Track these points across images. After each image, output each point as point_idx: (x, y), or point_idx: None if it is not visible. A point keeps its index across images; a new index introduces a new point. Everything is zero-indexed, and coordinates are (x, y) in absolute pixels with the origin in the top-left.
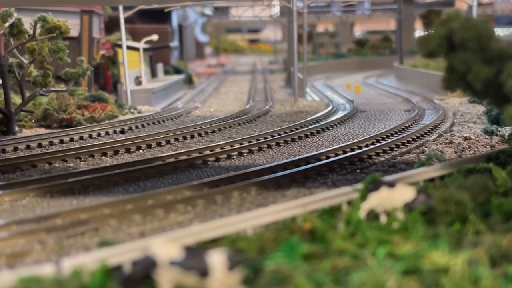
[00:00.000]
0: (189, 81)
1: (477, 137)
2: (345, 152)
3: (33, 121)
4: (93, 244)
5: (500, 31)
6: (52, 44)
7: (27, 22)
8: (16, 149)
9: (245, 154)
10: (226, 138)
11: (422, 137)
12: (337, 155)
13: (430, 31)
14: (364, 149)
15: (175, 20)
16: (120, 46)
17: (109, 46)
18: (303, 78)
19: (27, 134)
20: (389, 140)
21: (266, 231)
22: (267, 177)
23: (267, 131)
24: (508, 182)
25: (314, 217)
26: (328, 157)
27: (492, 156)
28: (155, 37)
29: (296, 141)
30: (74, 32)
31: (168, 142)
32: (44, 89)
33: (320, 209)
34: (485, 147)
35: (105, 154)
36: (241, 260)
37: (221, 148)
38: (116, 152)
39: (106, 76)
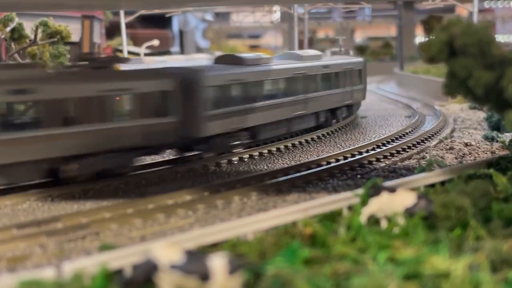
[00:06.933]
0: None
1: (478, 143)
2: (345, 158)
3: None
4: (93, 248)
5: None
6: (53, 49)
7: (28, 26)
8: None
9: (246, 160)
10: None
11: (422, 143)
12: (337, 160)
13: (431, 37)
14: (365, 154)
15: (176, 26)
16: (121, 51)
17: (110, 51)
18: None
19: None
20: (390, 146)
21: (267, 235)
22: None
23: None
24: (508, 187)
25: (315, 222)
26: (329, 163)
27: (492, 162)
28: (156, 42)
29: (297, 147)
30: (75, 37)
31: None
32: None
33: (320, 214)
34: (486, 153)
35: None
36: (242, 264)
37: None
38: None
39: None
